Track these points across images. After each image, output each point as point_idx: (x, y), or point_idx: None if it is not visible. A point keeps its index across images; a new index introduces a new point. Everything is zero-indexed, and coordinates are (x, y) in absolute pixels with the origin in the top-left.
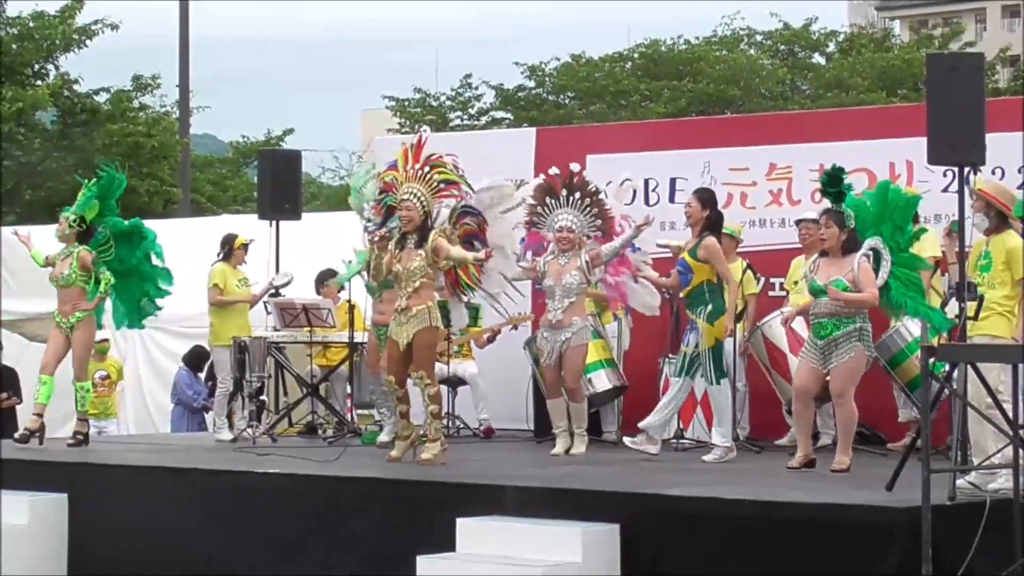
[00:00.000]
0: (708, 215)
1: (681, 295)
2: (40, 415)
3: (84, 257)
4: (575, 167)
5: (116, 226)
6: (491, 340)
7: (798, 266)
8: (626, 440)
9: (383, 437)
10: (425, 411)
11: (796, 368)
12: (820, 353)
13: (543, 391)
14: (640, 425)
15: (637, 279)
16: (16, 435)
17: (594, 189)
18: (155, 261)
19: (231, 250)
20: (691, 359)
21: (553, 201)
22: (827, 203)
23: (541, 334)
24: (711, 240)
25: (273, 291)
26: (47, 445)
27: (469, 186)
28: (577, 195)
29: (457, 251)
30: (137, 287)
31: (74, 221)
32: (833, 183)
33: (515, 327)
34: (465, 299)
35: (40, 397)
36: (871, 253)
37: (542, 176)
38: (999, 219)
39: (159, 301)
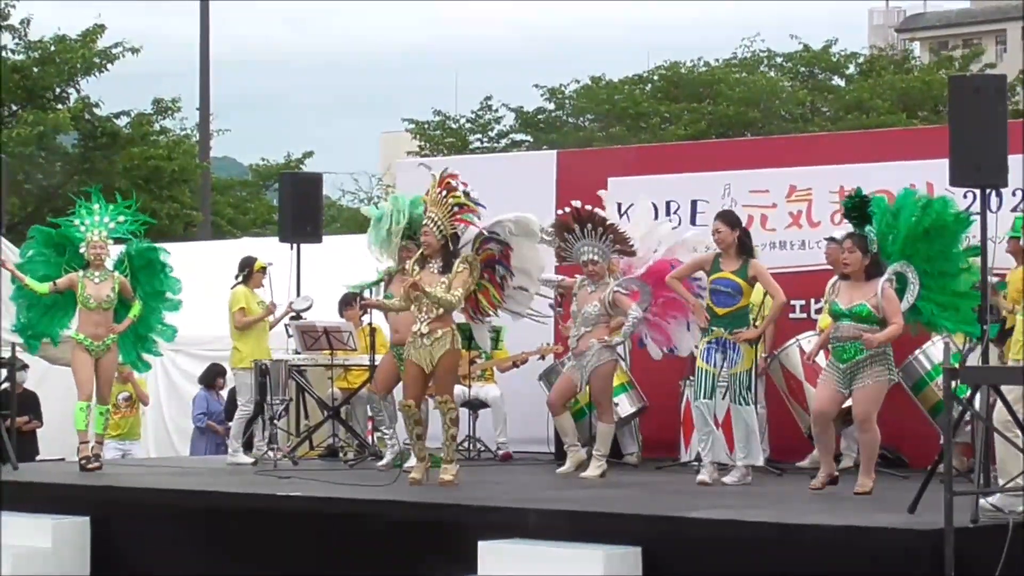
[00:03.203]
0: (739, 236)
1: (719, 314)
2: (87, 442)
3: (125, 283)
4: (576, 203)
5: (142, 254)
6: (516, 367)
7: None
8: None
9: (385, 460)
10: (445, 434)
11: (816, 390)
12: (842, 376)
13: None
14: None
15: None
16: (88, 465)
17: (603, 218)
18: (169, 296)
19: (251, 273)
20: (715, 380)
21: (571, 236)
22: (848, 225)
23: (569, 361)
24: (757, 261)
25: (294, 315)
26: (67, 468)
27: (478, 205)
28: (590, 226)
29: (438, 292)
30: (142, 322)
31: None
32: (857, 207)
33: (542, 357)
34: (486, 321)
35: (84, 424)
36: (894, 277)
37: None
38: None
39: (162, 344)
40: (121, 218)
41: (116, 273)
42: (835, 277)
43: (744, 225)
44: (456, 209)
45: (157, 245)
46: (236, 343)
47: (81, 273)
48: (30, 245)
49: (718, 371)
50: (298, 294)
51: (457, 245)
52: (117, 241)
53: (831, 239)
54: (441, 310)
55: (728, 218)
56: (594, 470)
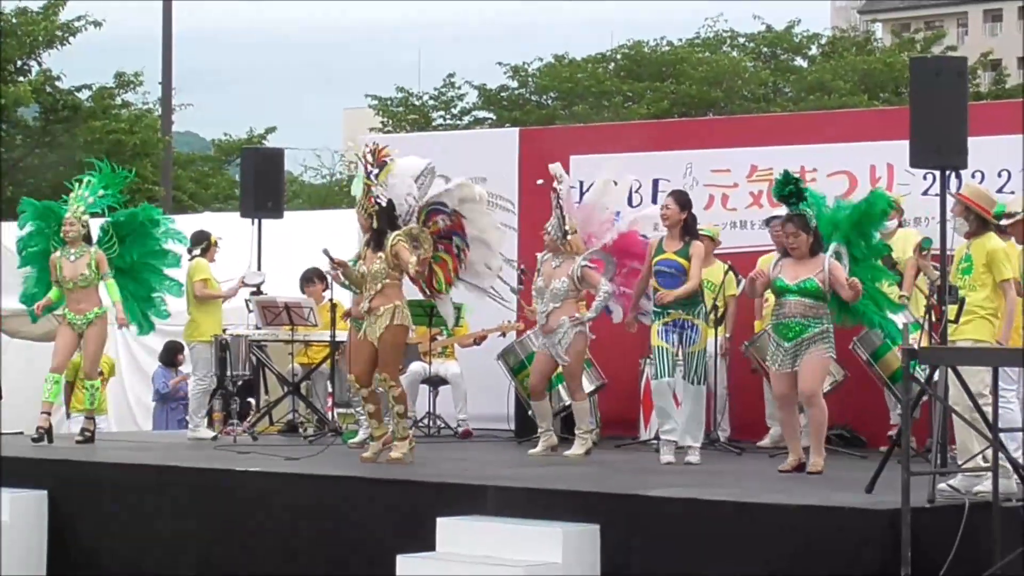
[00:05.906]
0: (685, 218)
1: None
2: (49, 413)
3: (102, 258)
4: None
5: (128, 221)
6: (477, 343)
7: (766, 264)
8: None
9: (358, 438)
10: (391, 411)
11: (771, 375)
12: (788, 356)
13: (521, 399)
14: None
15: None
16: (33, 436)
17: (557, 196)
18: (170, 245)
19: (208, 246)
20: (674, 358)
21: None
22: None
23: (533, 338)
24: (698, 242)
25: (254, 290)
26: (25, 441)
27: (378, 185)
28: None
29: (404, 256)
30: (142, 284)
31: (86, 222)
32: (792, 189)
33: (503, 334)
34: (441, 297)
35: (51, 396)
36: (834, 256)
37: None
38: (979, 223)
39: (170, 300)
40: (101, 192)
41: (93, 248)
42: (777, 254)
43: (704, 206)
44: (371, 191)
45: (137, 208)
46: (196, 315)
47: (59, 253)
48: (25, 219)
49: (676, 349)
50: (259, 269)
51: (383, 223)
52: (95, 215)
53: (772, 219)
54: (381, 287)
55: (680, 198)
56: (579, 448)
